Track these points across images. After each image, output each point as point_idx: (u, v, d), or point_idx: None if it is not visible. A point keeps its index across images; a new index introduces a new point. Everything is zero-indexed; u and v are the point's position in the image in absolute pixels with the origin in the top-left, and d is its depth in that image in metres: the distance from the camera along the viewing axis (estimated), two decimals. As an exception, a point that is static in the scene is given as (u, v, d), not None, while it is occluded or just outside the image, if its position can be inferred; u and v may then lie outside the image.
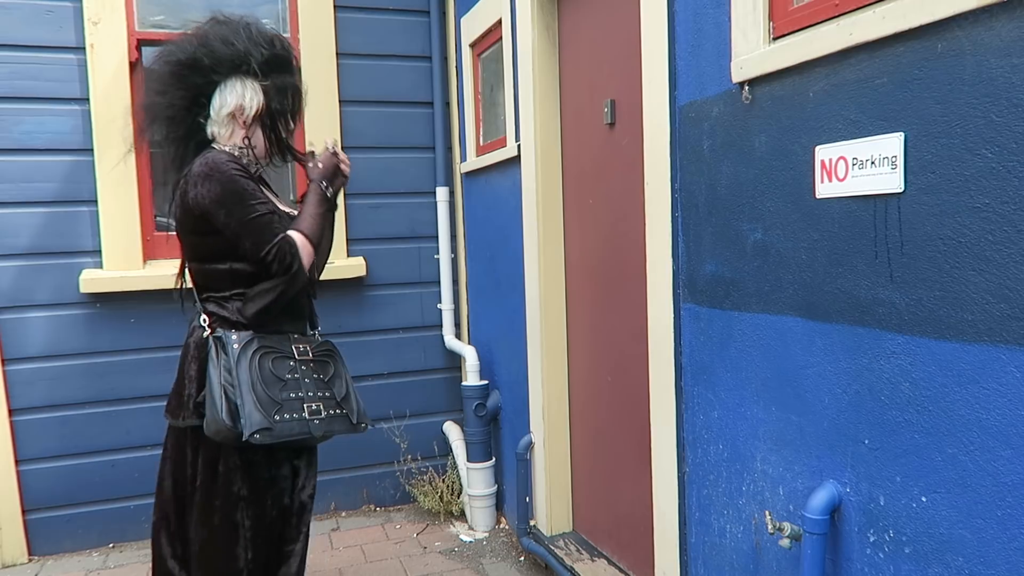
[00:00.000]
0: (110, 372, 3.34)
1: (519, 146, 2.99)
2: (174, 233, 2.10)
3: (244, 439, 1.80)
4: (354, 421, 2.02)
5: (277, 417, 1.84)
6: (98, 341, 3.32)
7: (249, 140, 2.04)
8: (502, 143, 3.22)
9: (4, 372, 3.20)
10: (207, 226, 1.91)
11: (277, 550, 2.03)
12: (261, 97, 2.01)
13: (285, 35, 3.53)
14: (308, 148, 2.25)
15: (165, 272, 3.32)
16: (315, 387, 1.96)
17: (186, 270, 2.12)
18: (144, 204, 3.37)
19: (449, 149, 3.82)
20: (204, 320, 1.94)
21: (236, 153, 2.01)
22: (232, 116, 2.00)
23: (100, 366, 3.32)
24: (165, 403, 2.05)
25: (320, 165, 2.12)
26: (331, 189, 2.11)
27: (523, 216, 3.00)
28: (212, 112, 2.00)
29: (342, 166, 2.15)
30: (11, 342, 3.21)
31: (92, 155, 3.25)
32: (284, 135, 2.10)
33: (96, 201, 3.27)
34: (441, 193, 3.77)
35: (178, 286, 2.16)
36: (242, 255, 1.93)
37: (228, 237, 1.91)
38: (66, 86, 3.22)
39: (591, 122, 2.63)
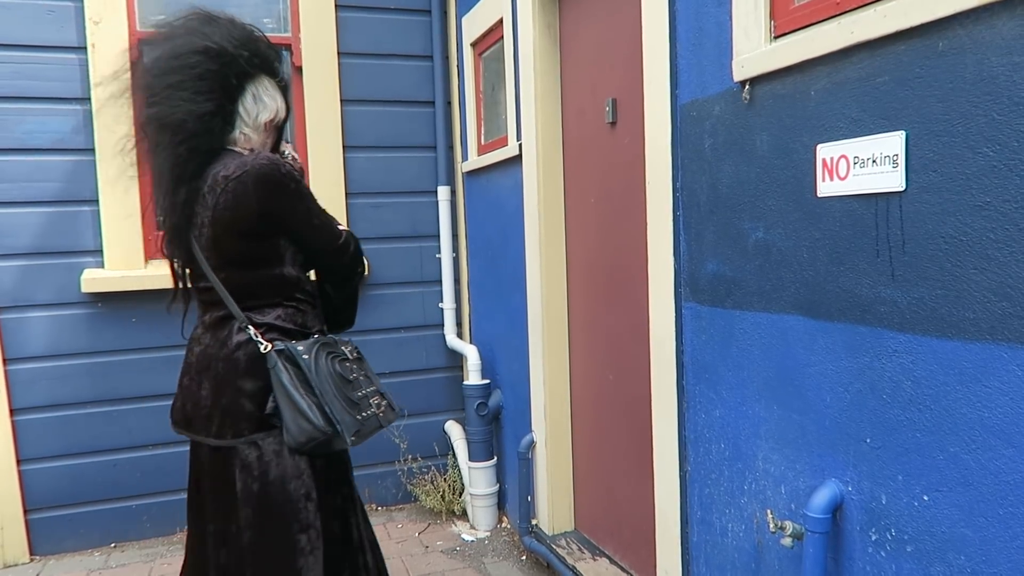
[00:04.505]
0: (111, 372, 3.34)
1: (520, 145, 2.99)
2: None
3: (347, 444, 1.80)
4: (395, 409, 2.01)
5: (359, 417, 1.84)
6: (99, 341, 3.32)
7: (266, 146, 1.96)
8: (503, 142, 3.22)
9: (6, 372, 3.20)
10: (269, 228, 1.82)
11: (347, 547, 1.98)
12: (284, 100, 1.97)
13: (286, 34, 3.54)
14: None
15: (166, 272, 3.30)
16: (367, 383, 1.95)
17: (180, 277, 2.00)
18: (146, 203, 3.37)
19: (450, 148, 3.82)
20: (252, 331, 1.81)
21: None
22: (265, 124, 1.92)
23: (101, 366, 3.33)
24: (198, 427, 1.88)
25: None
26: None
27: (524, 215, 3.00)
28: (246, 117, 1.88)
29: (299, 163, 2.14)
30: (12, 342, 3.21)
31: (94, 155, 3.26)
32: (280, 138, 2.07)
33: (97, 201, 3.28)
34: (443, 192, 3.77)
35: (178, 291, 2.02)
36: (299, 255, 1.90)
37: (295, 238, 1.86)
38: (67, 86, 3.23)
39: (592, 121, 2.63)
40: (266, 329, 1.84)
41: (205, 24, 1.84)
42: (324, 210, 1.94)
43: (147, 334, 3.38)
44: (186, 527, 2.01)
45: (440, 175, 3.78)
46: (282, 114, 1.97)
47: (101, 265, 3.30)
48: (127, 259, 3.31)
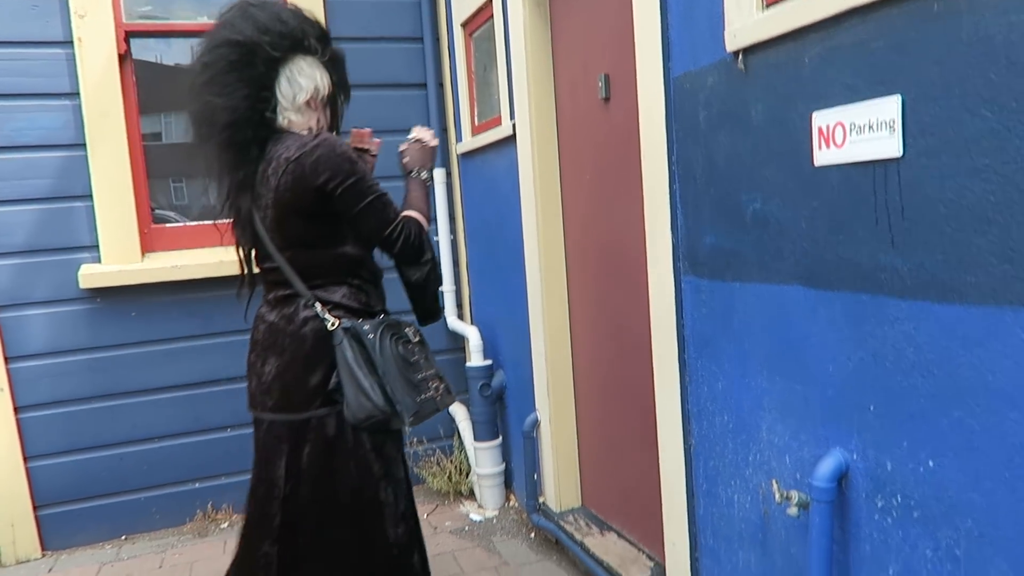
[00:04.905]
0: (113, 366, 3.34)
1: (514, 125, 2.97)
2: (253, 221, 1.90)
3: (406, 424, 1.86)
4: (451, 392, 2.05)
5: (419, 399, 1.89)
6: (100, 336, 3.32)
7: (320, 123, 1.97)
8: (497, 122, 3.20)
9: (8, 370, 3.20)
10: (324, 208, 1.84)
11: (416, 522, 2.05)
12: (327, 76, 1.96)
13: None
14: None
15: (164, 264, 3.32)
16: (427, 365, 1.98)
17: (244, 258, 2.04)
18: (140, 196, 3.36)
19: (444, 131, 3.79)
20: (319, 308, 1.86)
21: None
22: (307, 103, 1.92)
23: (103, 360, 3.33)
24: (259, 402, 1.92)
25: (407, 158, 2.15)
26: (424, 172, 2.14)
27: (521, 195, 2.99)
28: (284, 101, 1.89)
29: (428, 144, 2.17)
30: (13, 340, 3.21)
31: (85, 150, 3.24)
32: (341, 113, 2.08)
33: (91, 196, 3.26)
34: (438, 175, 3.74)
35: (244, 274, 2.04)
36: (359, 237, 1.91)
37: (345, 219, 1.87)
38: (55, 81, 3.20)
39: (586, 97, 2.61)
40: (332, 307, 1.88)
41: (238, 14, 1.85)
42: (380, 196, 1.89)
43: (148, 327, 3.38)
44: (245, 511, 2.04)
45: (435, 158, 3.75)
46: (324, 91, 1.95)
47: (98, 260, 3.29)
48: (124, 253, 3.30)
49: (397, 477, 1.97)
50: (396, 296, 2.11)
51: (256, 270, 2.03)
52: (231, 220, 1.97)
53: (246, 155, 1.87)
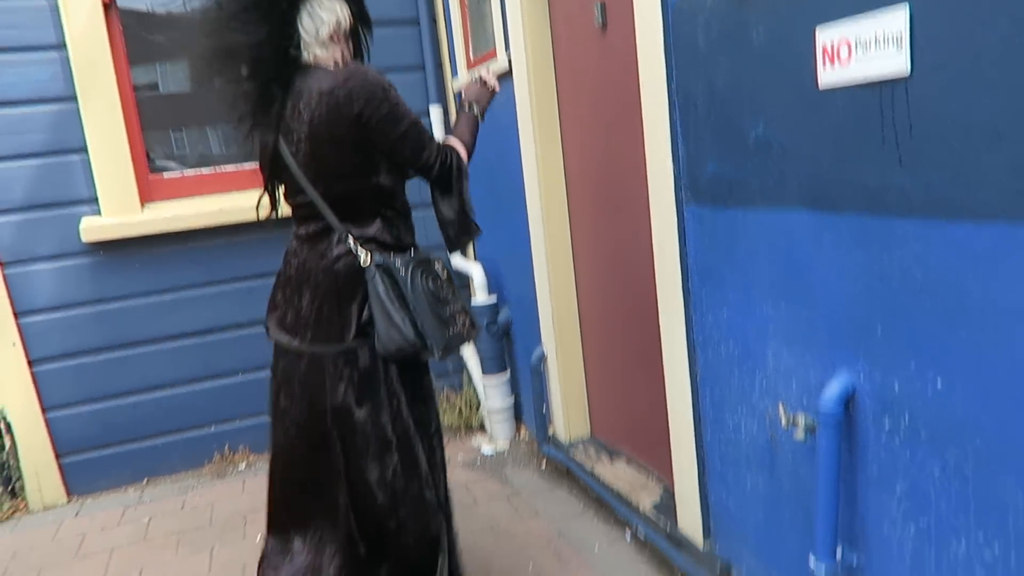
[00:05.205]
0: (120, 318, 3.36)
1: (510, 58, 2.90)
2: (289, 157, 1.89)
3: (436, 357, 1.91)
4: (475, 326, 2.09)
5: (448, 333, 1.94)
6: (105, 288, 3.33)
7: (344, 56, 1.95)
8: (492, 56, 3.12)
9: (19, 325, 3.23)
10: (359, 137, 1.84)
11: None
12: (347, 8, 1.94)
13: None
14: None
15: (164, 215, 3.30)
16: (455, 300, 2.02)
17: (271, 195, 2.05)
18: (135, 147, 3.32)
19: (439, 67, 3.71)
20: (352, 242, 1.88)
21: None
22: (331, 37, 1.90)
23: (110, 312, 3.35)
24: (300, 334, 1.95)
25: (465, 93, 2.17)
26: (477, 107, 2.16)
27: (519, 128, 2.94)
28: (307, 36, 1.87)
29: (490, 86, 2.20)
30: (20, 295, 3.22)
31: (76, 102, 3.18)
32: (367, 44, 2.08)
33: (86, 148, 3.22)
34: (435, 112, 3.69)
35: (269, 214, 2.08)
36: (394, 166, 1.92)
37: (382, 148, 1.87)
38: (41, 33, 3.13)
39: (582, 26, 2.54)
40: (365, 241, 1.91)
41: None
42: (415, 123, 1.90)
43: (151, 278, 3.38)
44: (271, 443, 2.09)
45: (431, 94, 3.69)
46: (346, 23, 1.93)
47: (98, 213, 3.27)
48: (123, 205, 3.27)
49: (424, 408, 2.03)
50: (423, 232, 2.10)
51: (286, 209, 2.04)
52: (257, 159, 1.98)
53: (267, 92, 1.86)
